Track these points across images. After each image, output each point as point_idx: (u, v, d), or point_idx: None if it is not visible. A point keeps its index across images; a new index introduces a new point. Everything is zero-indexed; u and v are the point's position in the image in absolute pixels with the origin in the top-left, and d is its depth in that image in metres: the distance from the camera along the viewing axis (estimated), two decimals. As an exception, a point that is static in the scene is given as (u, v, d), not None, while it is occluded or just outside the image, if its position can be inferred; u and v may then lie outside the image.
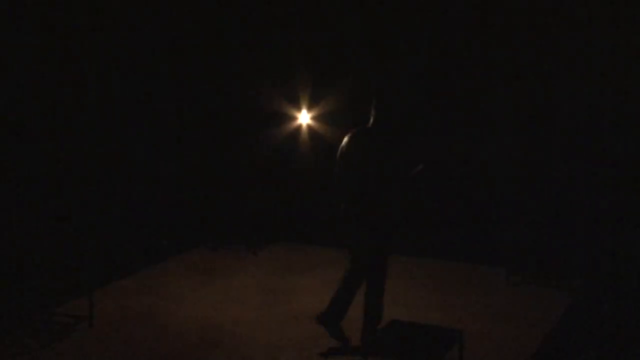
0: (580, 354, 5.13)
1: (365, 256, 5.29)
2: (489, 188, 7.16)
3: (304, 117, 8.02)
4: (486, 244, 7.13)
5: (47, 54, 6.28)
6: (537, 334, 5.51)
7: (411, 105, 7.03)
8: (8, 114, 5.97)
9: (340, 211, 5.39)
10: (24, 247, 6.01)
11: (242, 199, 8.35)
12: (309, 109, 7.99)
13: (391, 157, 5.24)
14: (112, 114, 7.04)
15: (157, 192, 7.69)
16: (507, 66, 6.99)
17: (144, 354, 5.23)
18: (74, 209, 6.61)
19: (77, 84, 6.63)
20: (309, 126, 8.04)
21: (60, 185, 6.44)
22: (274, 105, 8.08)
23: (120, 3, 7.06)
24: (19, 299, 5.80)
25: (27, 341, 5.39)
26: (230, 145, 8.41)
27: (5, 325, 5.63)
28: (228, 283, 6.84)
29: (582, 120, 6.74)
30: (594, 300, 6.22)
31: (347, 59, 7.73)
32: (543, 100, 6.90)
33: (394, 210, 5.33)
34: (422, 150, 5.39)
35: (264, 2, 8.07)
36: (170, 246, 7.10)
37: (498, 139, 7.07)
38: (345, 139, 5.37)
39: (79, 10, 6.61)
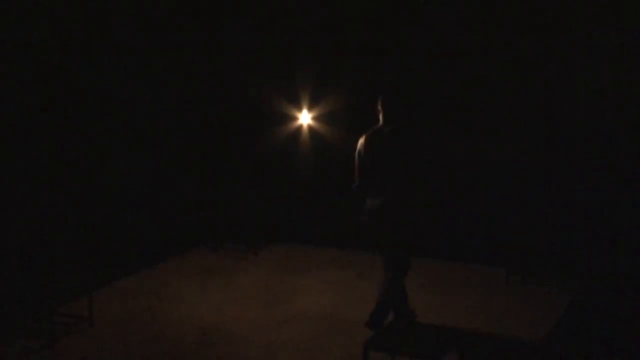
0: (580, 353, 5.14)
1: (394, 251, 5.46)
2: (489, 188, 7.16)
3: (305, 118, 8.02)
4: (486, 244, 7.13)
5: (45, 53, 6.28)
6: (537, 334, 5.51)
7: (415, 105, 7.05)
8: (8, 113, 5.97)
9: (364, 210, 5.55)
10: (24, 247, 6.01)
11: (242, 199, 8.36)
12: (310, 109, 7.99)
13: (406, 155, 5.39)
14: (112, 113, 7.04)
15: (157, 192, 7.69)
16: (507, 67, 6.99)
17: (143, 354, 5.23)
18: (74, 209, 6.61)
19: (77, 83, 6.63)
20: (309, 126, 8.04)
21: (60, 185, 6.44)
22: (274, 106, 8.08)
23: (120, 2, 7.06)
24: (19, 299, 5.80)
25: (27, 341, 5.40)
26: (230, 145, 8.42)
27: (5, 325, 5.63)
28: (228, 283, 6.84)
29: (582, 121, 6.73)
30: (594, 300, 6.23)
31: (347, 59, 7.73)
32: (544, 101, 6.90)
33: (414, 207, 5.47)
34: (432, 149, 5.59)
35: (264, 2, 8.08)
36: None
37: (498, 139, 7.07)
38: (361, 141, 5.48)
39: (78, 8, 6.61)
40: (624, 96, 6.55)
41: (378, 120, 5.52)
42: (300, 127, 8.07)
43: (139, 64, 7.32)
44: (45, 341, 5.38)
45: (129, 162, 7.29)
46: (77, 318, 5.77)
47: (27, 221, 6.09)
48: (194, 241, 8.13)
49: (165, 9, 7.67)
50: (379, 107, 5.45)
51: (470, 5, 7.10)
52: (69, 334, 5.55)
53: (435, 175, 5.65)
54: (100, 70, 6.85)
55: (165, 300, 6.33)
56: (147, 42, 7.43)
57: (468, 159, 7.21)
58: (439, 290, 6.53)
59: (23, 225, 6.05)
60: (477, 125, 7.18)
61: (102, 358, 5.17)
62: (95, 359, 5.16)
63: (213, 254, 7.83)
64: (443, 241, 7.28)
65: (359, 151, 5.53)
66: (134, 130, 7.33)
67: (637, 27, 6.45)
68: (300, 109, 8.02)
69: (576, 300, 6.23)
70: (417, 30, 7.33)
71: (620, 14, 6.50)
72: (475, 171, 7.22)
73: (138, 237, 7.32)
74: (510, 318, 5.85)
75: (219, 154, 8.42)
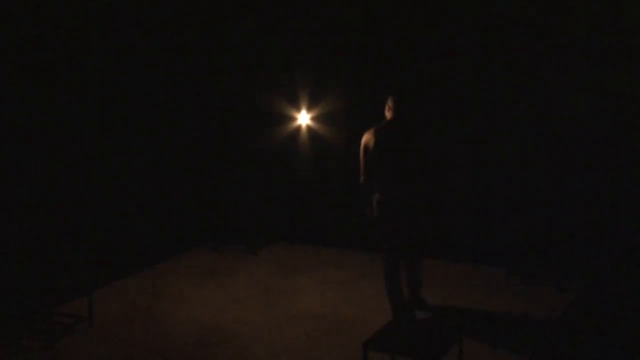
0: (580, 354, 5.14)
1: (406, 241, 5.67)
2: (489, 188, 7.16)
3: (304, 118, 8.02)
4: (486, 244, 7.14)
5: (45, 52, 6.28)
6: (537, 334, 5.51)
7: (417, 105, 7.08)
8: (8, 114, 5.97)
9: (371, 204, 5.62)
10: (24, 247, 6.01)
11: (242, 199, 8.36)
12: (309, 109, 8.00)
13: (414, 150, 5.48)
14: (112, 114, 7.04)
15: (157, 192, 7.69)
16: (507, 67, 6.99)
17: (144, 354, 5.23)
18: (74, 208, 6.61)
19: (77, 84, 6.63)
20: (308, 127, 8.04)
21: (59, 185, 6.44)
22: (273, 106, 8.09)
23: (119, 3, 7.06)
24: (19, 299, 5.80)
25: (27, 341, 5.40)
26: (231, 145, 8.42)
27: (5, 325, 5.63)
28: (228, 283, 6.84)
29: (582, 121, 6.74)
30: (594, 300, 6.23)
31: (347, 59, 7.74)
32: (543, 101, 6.90)
33: (420, 202, 5.58)
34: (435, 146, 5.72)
35: (264, 3, 8.08)
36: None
37: (498, 139, 7.08)
38: (368, 136, 5.51)
39: (78, 9, 6.61)
40: (624, 96, 6.55)
41: (385, 116, 5.58)
42: (299, 127, 8.08)
43: (139, 64, 7.33)
44: (45, 341, 5.38)
45: (129, 161, 7.29)
46: (77, 318, 5.77)
47: (27, 221, 6.09)
48: (194, 241, 8.13)
49: (165, 9, 7.67)
50: (389, 104, 5.52)
51: (471, 6, 7.10)
52: (69, 334, 5.55)
53: (439, 173, 5.72)
54: (100, 70, 6.86)
55: (165, 300, 6.33)
56: (148, 42, 7.43)
57: (468, 159, 7.21)
58: (439, 290, 6.53)
59: (23, 224, 6.05)
60: (477, 125, 7.18)
61: (102, 358, 5.17)
62: (95, 359, 5.16)
63: (213, 254, 7.84)
64: (443, 241, 7.29)
65: (366, 146, 5.55)
66: (134, 130, 7.33)
67: (637, 27, 6.45)
68: (299, 110, 8.02)
69: (576, 300, 6.23)
70: (417, 30, 7.33)
71: (620, 14, 6.50)
72: (475, 171, 7.22)
73: (138, 237, 7.33)
74: (510, 318, 5.85)
75: (219, 154, 8.43)
